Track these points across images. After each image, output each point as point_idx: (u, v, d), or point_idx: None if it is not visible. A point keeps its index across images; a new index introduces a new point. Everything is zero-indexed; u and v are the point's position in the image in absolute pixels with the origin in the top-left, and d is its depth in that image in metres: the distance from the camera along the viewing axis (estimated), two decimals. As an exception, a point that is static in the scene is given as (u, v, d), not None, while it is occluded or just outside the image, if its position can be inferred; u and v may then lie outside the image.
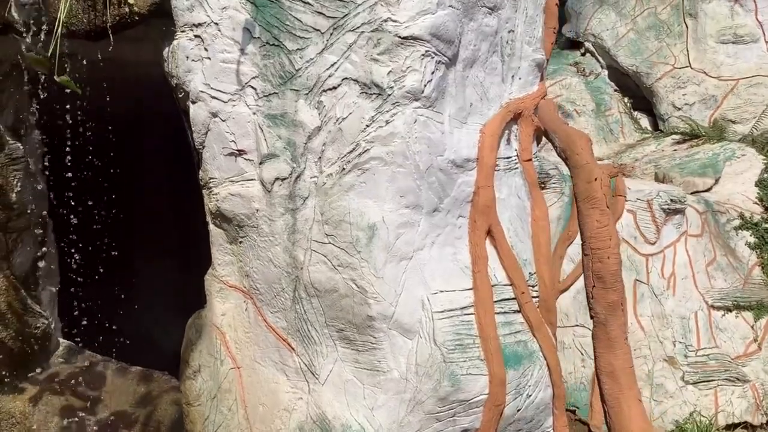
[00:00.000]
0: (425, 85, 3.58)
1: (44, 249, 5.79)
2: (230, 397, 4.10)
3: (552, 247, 6.67)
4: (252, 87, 3.83)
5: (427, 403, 3.52)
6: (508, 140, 4.01)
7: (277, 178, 3.78)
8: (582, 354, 6.67)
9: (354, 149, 3.60)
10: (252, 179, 3.90)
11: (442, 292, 3.64)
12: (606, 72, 10.48)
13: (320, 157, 3.68)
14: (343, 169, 3.62)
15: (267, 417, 3.92)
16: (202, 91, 3.93)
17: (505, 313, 3.76)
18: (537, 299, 3.97)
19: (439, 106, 3.67)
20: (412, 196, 3.61)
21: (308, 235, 3.71)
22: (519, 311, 3.81)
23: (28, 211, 5.53)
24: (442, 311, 3.60)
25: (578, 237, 6.74)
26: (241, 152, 3.90)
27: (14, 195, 5.33)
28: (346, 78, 3.62)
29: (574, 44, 11.17)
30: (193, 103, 3.98)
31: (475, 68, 3.85)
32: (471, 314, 3.64)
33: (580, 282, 6.63)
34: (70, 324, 5.85)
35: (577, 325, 6.73)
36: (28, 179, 5.51)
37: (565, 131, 4.55)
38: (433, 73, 3.60)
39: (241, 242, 4.01)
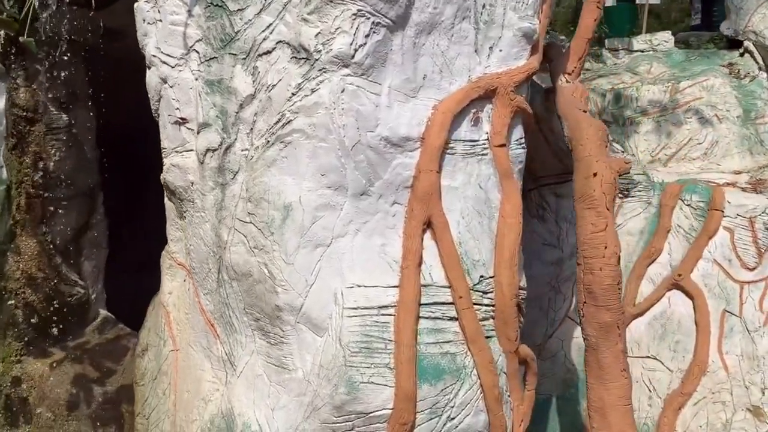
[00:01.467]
0: (356, 50, 3.14)
1: (91, 220, 5.90)
2: (166, 380, 3.88)
3: (630, 264, 5.91)
4: (196, 51, 3.59)
5: (323, 411, 3.07)
6: (476, 121, 3.44)
7: (208, 149, 3.50)
8: (650, 390, 5.75)
9: (279, 120, 3.24)
10: (191, 150, 3.65)
11: (359, 286, 3.17)
12: (765, 75, 9.15)
13: (252, 129, 3.36)
14: (268, 141, 3.27)
15: (188, 406, 3.65)
16: (154, 56, 3.75)
17: (436, 318, 3.21)
18: (489, 308, 3.36)
19: (375, 75, 3.21)
20: (334, 175, 3.18)
21: (233, 213, 3.40)
22: (456, 319, 3.23)
23: (69, 181, 5.64)
24: (354, 308, 3.13)
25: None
26: (183, 121, 3.68)
27: (52, 163, 5.46)
28: (281, 41, 3.27)
29: (733, 43, 9.90)
30: (148, 68, 3.81)
31: (436, 35, 3.34)
32: (390, 315, 3.14)
33: (658, 308, 5.82)
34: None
35: (648, 357, 5.81)
36: (71, 149, 5.64)
37: (576, 117, 3.89)
38: (367, 36, 3.16)
39: (184, 217, 3.78)
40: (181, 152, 3.70)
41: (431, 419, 3.08)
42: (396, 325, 3.11)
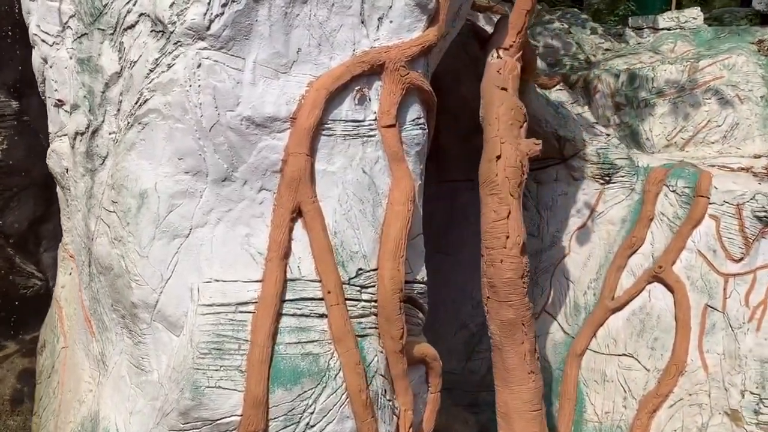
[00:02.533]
0: (212, 21, 2.86)
1: (50, 210, 5.76)
2: (56, 378, 3.68)
3: (611, 255, 5.49)
4: (70, 27, 3.36)
5: (171, 417, 2.81)
6: (360, 100, 3.12)
7: (77, 133, 3.27)
8: (625, 391, 5.35)
9: (138, 99, 2.98)
10: (66, 134, 3.43)
11: (217, 281, 2.89)
12: (798, 52, 8.51)
13: (119, 110, 3.11)
14: (128, 123, 3.01)
15: (68, 406, 3.43)
16: (35, 34, 3.54)
17: (302, 316, 2.91)
18: (370, 304, 3.04)
19: (237, 49, 2.92)
20: (192, 159, 2.91)
21: (100, 201, 3.16)
22: (326, 316, 2.93)
23: (22, 171, 5.51)
24: (209, 305, 2.85)
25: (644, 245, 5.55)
26: (60, 103, 3.45)
27: (0, 153, 5.33)
28: (143, 14, 3.01)
29: (766, 19, 9.25)
30: (33, 48, 3.60)
31: (312, 4, 3.03)
32: (249, 313, 2.85)
33: (637, 302, 5.40)
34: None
35: (624, 355, 5.40)
36: (23, 138, 5.51)
37: (491, 95, 3.53)
38: (225, 5, 2.87)
39: (69, 206, 3.56)
40: (60, 136, 3.48)
41: (287, 427, 2.79)
42: (253, 323, 2.82)
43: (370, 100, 3.14)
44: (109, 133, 3.15)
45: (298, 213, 2.96)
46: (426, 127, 3.32)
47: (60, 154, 3.42)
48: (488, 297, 3.26)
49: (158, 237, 2.90)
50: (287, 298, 2.89)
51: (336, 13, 3.08)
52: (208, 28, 2.86)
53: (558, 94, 5.82)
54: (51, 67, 3.45)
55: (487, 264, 3.22)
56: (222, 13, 2.86)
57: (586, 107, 5.87)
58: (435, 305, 6.39)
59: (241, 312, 2.85)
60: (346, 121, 3.08)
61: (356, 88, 3.10)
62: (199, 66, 2.87)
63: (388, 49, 3.15)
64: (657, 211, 5.55)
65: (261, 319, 2.81)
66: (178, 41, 2.88)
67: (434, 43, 3.26)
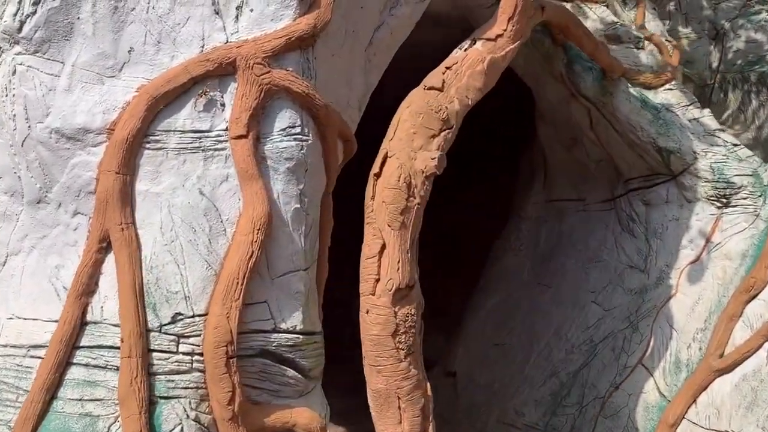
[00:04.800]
0: (23, 22, 2.53)
1: None
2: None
3: (724, 299, 4.27)
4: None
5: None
6: (206, 106, 2.56)
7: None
8: (729, 481, 4.07)
9: (-26, 113, 2.73)
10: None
11: (18, 318, 2.52)
12: None
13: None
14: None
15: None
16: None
17: (94, 367, 2.42)
18: (190, 358, 2.46)
19: (54, 52, 2.55)
20: (9, 177, 2.60)
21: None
22: (125, 369, 2.41)
23: None
24: (4, 345, 2.49)
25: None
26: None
27: None
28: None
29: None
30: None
31: (151, -4, 2.56)
32: (39, 358, 2.44)
33: (751, 363, 4.13)
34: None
35: (728, 432, 4.12)
36: None
37: (409, 95, 2.78)
38: (37, 3, 2.52)
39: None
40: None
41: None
42: (39, 371, 2.41)
43: (222, 106, 2.58)
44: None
45: (109, 242, 2.49)
46: (307, 137, 2.66)
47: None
48: (363, 356, 2.51)
49: (-25, 265, 2.60)
50: (82, 344, 2.43)
51: (181, 3, 2.58)
52: (20, 30, 2.52)
53: (666, 95, 4.62)
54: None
55: (360, 312, 2.48)
56: (34, 12, 2.51)
57: (707, 111, 4.59)
58: (529, 344, 5.53)
59: (31, 357, 2.45)
60: (184, 132, 2.55)
61: (200, 91, 2.55)
62: (14, 73, 2.54)
63: (241, 43, 2.56)
64: (788, 245, 4.21)
65: (43, 368, 2.38)
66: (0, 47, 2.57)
67: (308, 34, 2.59)
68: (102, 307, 2.47)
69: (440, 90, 2.78)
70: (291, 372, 2.64)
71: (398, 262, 2.42)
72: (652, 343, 4.61)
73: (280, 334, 2.60)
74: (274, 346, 2.59)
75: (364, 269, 2.46)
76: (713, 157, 4.44)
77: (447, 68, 2.93)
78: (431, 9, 3.29)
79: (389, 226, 2.43)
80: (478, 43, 3.10)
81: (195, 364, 2.47)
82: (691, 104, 4.65)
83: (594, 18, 4.91)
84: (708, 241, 4.50)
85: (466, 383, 5.85)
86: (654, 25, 5.36)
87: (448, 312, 6.60)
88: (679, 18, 6.21)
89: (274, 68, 2.57)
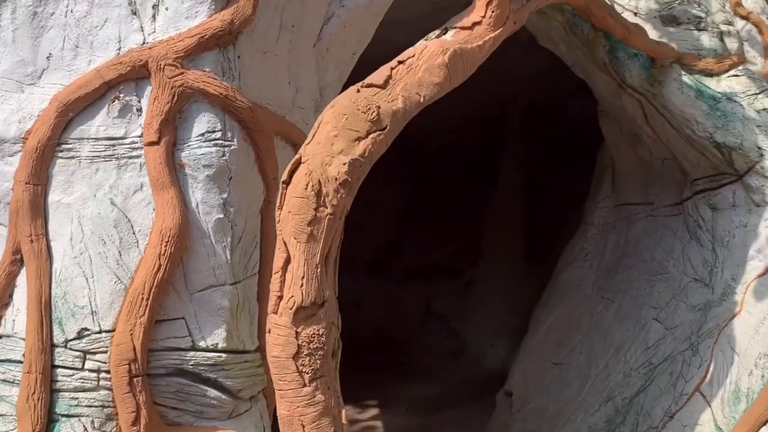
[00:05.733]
0: None
1: None
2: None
3: None
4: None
5: None
6: (121, 111, 2.44)
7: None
8: None
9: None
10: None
11: (-57, 330, 2.51)
12: None
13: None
14: None
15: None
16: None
17: (2, 381, 2.37)
18: (96, 376, 2.35)
19: None
20: None
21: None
22: (28, 386, 2.34)
23: None
24: (-72, 357, 2.49)
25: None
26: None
27: None
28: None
29: None
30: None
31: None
32: (-45, 371, 2.42)
33: None
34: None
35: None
36: None
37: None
38: None
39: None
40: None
41: None
42: (-56, 385, 2.38)
43: (139, 111, 2.45)
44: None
45: (18, 254, 2.43)
46: (231, 142, 2.48)
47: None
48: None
49: None
50: (-10, 359, 2.38)
51: (99, 5, 2.48)
52: (-61, 40, 2.51)
53: (731, 83, 4.02)
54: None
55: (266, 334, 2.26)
56: (-49, 22, 2.49)
57: (782, 99, 3.95)
58: (587, 366, 5.04)
59: (-52, 369, 2.43)
60: (98, 139, 2.45)
61: (112, 96, 2.44)
62: (-61, 84, 2.54)
63: (154, 45, 2.42)
64: None
65: (-52, 383, 2.35)
66: (-68, 58, 2.58)
67: (225, 31, 2.41)
68: (14, 320, 2.42)
69: (381, 87, 2.51)
70: (213, 392, 2.47)
71: (302, 278, 2.18)
72: (711, 369, 4.04)
73: (199, 353, 2.44)
74: (191, 365, 2.43)
75: (270, 285, 2.25)
76: (782, 154, 3.83)
77: (400, 62, 2.64)
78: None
79: (295, 238, 2.20)
80: (449, 33, 2.80)
81: (102, 382, 2.36)
82: (761, 92, 4.02)
83: (646, -5, 4.39)
84: (778, 251, 3.90)
85: (520, 406, 5.44)
86: (752, 1, 4.73)
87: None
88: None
89: (189, 69, 2.41)
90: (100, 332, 2.37)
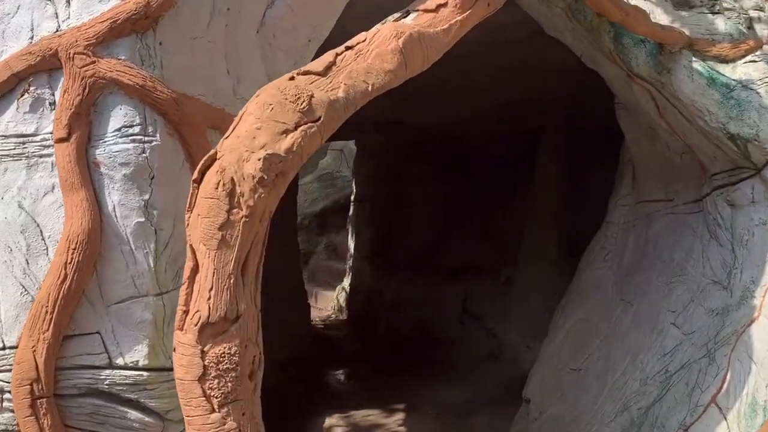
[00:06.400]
0: None
1: None
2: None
3: None
4: None
5: None
6: (32, 106, 2.23)
7: None
8: None
9: None
10: None
11: None
12: None
13: None
14: None
15: None
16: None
17: None
18: (3, 396, 2.13)
19: None
20: None
21: None
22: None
23: None
24: None
25: None
26: None
27: None
28: None
29: None
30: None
31: (-20, -15, 2.28)
32: None
33: None
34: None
35: None
36: None
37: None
38: None
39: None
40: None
41: None
42: None
43: (52, 105, 2.23)
44: None
45: (-75, 264, 2.23)
46: (152, 137, 2.24)
47: None
48: (186, 405, 2.04)
49: None
50: None
51: None
52: None
53: (747, 69, 3.63)
54: None
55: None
56: None
57: (803, 87, 3.54)
58: (605, 372, 4.69)
59: None
60: (6, 136, 2.24)
61: (28, 89, 2.23)
62: None
63: (64, 32, 2.20)
64: None
65: None
66: None
67: (140, 15, 2.17)
68: None
69: (320, 74, 2.24)
70: (135, 414, 2.24)
71: (210, 290, 1.92)
72: (728, 378, 3.67)
73: (116, 371, 2.21)
74: (107, 384, 2.20)
75: (180, 297, 2.00)
76: (800, 147, 3.43)
77: (348, 48, 2.37)
78: None
79: (204, 244, 1.94)
80: (411, 16, 2.53)
81: (5, 403, 2.14)
82: (782, 78, 3.63)
83: (657, -23, 4.02)
84: (798, 251, 3.51)
85: (537, 414, 5.12)
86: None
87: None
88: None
89: (102, 58, 2.18)
90: (3, 348, 2.15)
